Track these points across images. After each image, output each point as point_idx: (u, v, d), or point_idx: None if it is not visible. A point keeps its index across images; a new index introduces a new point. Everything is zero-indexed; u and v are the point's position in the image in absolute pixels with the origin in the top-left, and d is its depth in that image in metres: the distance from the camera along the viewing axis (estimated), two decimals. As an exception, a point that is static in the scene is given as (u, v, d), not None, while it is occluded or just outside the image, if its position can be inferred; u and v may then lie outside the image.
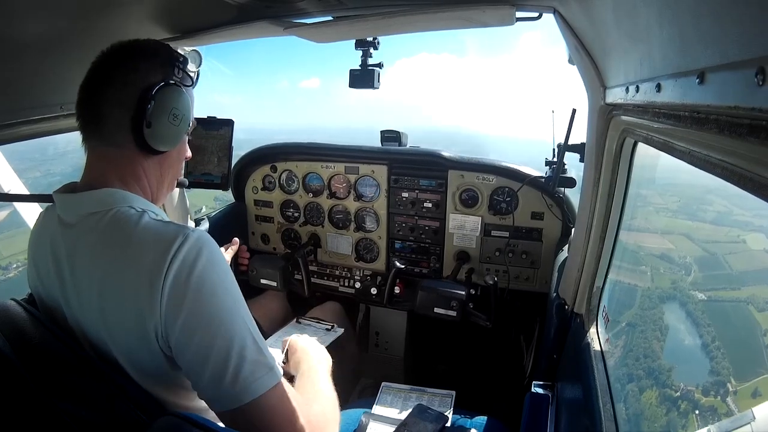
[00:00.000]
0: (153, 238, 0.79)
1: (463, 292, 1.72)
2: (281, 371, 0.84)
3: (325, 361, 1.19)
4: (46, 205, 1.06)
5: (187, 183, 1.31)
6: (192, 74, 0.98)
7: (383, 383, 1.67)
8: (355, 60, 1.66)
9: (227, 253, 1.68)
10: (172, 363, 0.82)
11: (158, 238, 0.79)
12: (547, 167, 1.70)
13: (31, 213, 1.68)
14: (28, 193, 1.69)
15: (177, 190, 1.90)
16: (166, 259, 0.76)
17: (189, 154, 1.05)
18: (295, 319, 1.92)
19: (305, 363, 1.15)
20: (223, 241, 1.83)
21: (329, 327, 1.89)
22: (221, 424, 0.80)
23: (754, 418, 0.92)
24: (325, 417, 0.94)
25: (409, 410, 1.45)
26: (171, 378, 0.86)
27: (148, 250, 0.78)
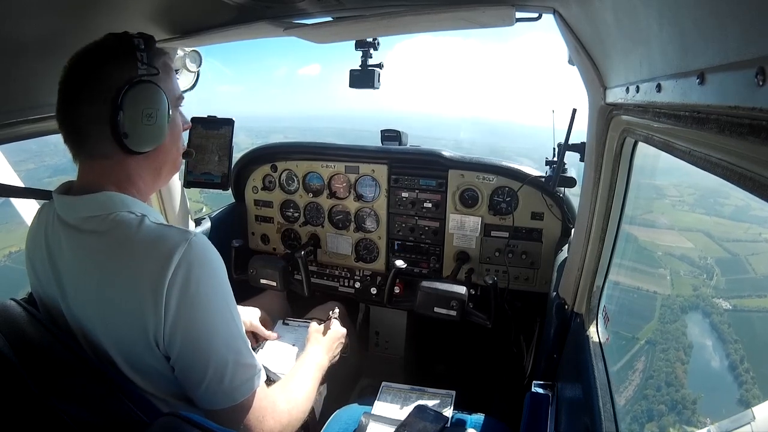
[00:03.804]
0: (154, 244, 0.80)
1: (463, 292, 1.72)
2: (264, 372, 0.94)
3: (320, 351, 1.37)
4: (41, 201, 1.05)
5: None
6: (163, 61, 0.93)
7: (383, 383, 1.67)
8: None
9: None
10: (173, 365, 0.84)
11: (159, 245, 0.80)
12: (548, 167, 1.70)
13: (24, 208, 1.65)
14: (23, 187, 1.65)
15: (177, 190, 1.90)
16: (169, 268, 0.78)
17: (185, 126, 1.04)
18: (281, 321, 1.84)
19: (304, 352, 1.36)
20: (223, 241, 1.82)
21: (320, 321, 1.78)
22: None
23: (754, 418, 0.92)
24: (297, 403, 1.07)
25: (409, 410, 1.45)
26: (171, 379, 0.86)
27: (149, 256, 0.79)
